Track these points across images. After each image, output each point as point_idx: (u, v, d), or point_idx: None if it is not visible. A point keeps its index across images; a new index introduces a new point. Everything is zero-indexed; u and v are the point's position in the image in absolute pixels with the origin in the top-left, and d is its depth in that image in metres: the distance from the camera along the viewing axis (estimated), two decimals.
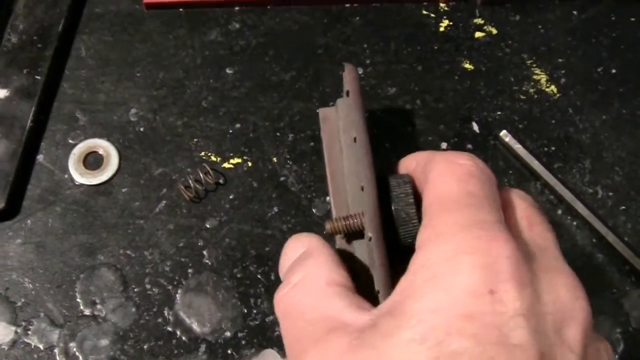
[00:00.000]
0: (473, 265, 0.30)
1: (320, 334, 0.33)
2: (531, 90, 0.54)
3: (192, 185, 0.50)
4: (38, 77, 0.54)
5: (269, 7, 0.58)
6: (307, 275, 0.36)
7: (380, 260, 0.37)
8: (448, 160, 0.36)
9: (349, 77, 0.45)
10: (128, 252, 0.49)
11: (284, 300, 0.36)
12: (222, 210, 0.50)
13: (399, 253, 0.38)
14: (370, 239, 0.38)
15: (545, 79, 0.55)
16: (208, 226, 0.49)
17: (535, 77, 0.55)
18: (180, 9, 0.58)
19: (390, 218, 0.38)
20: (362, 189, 0.40)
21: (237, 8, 0.58)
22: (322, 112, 0.49)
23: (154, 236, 0.49)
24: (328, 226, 0.40)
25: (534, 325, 0.29)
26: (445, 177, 0.35)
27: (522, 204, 0.37)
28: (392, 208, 0.38)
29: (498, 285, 0.30)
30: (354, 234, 0.41)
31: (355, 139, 0.42)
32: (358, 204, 0.41)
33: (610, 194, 0.51)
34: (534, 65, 0.55)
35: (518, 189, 0.38)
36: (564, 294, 0.31)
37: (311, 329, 0.33)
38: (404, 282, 0.32)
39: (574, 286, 0.32)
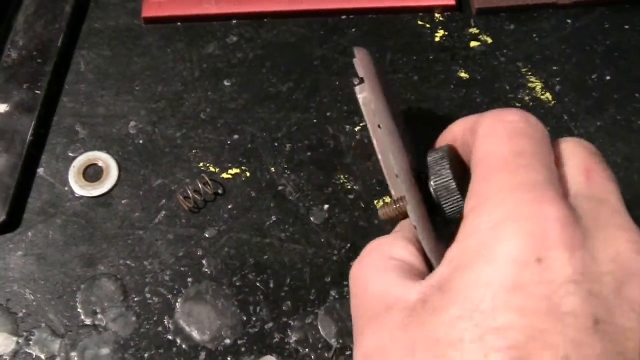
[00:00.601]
0: (519, 232, 0.29)
1: (377, 311, 0.33)
2: (526, 98, 0.56)
3: (191, 195, 0.51)
4: (38, 92, 0.55)
5: (266, 20, 0.59)
6: (377, 246, 0.37)
7: (428, 247, 0.36)
8: (495, 118, 0.35)
9: (363, 62, 0.43)
10: (128, 262, 0.50)
11: (355, 268, 0.37)
12: (221, 220, 0.51)
13: (448, 229, 0.38)
14: (415, 228, 0.37)
15: (540, 86, 0.56)
16: (207, 236, 0.51)
17: (530, 85, 0.56)
18: (179, 23, 0.59)
19: (431, 196, 0.38)
20: (397, 176, 0.39)
21: (234, 22, 0.59)
22: (361, 92, 0.44)
23: (153, 246, 0.50)
24: (380, 212, 0.40)
25: (587, 289, 0.28)
26: (491, 137, 0.34)
27: (580, 154, 0.35)
28: (432, 186, 0.38)
29: (547, 251, 0.29)
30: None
31: (379, 126, 0.41)
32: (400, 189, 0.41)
33: None
34: (529, 74, 0.57)
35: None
36: (624, 249, 0.30)
37: (371, 305, 0.34)
38: (451, 253, 0.32)
39: (635, 240, 0.31)
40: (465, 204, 0.33)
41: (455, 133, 0.40)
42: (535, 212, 0.30)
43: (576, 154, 0.35)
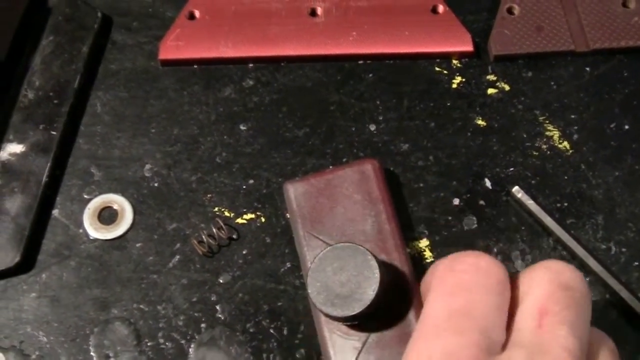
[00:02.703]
0: None
1: None
2: (544, 147, 0.58)
3: (205, 240, 0.54)
4: (54, 133, 0.59)
5: (282, 64, 0.62)
6: None
7: None
8: (446, 267, 0.37)
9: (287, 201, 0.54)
10: (142, 306, 0.53)
11: None
12: (235, 265, 0.54)
13: None
14: None
15: (558, 135, 0.59)
16: (221, 281, 0.53)
17: (547, 133, 0.59)
18: (195, 66, 0.63)
19: None
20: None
21: (251, 65, 0.63)
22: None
23: (167, 291, 0.53)
24: None
25: None
26: (434, 292, 0.36)
27: (542, 289, 0.35)
28: None
29: None
30: None
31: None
32: None
33: (624, 249, 0.54)
34: (547, 122, 0.60)
35: (555, 260, 0.37)
36: None
37: None
38: None
39: None
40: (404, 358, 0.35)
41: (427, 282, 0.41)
42: None
43: (538, 287, 0.35)
